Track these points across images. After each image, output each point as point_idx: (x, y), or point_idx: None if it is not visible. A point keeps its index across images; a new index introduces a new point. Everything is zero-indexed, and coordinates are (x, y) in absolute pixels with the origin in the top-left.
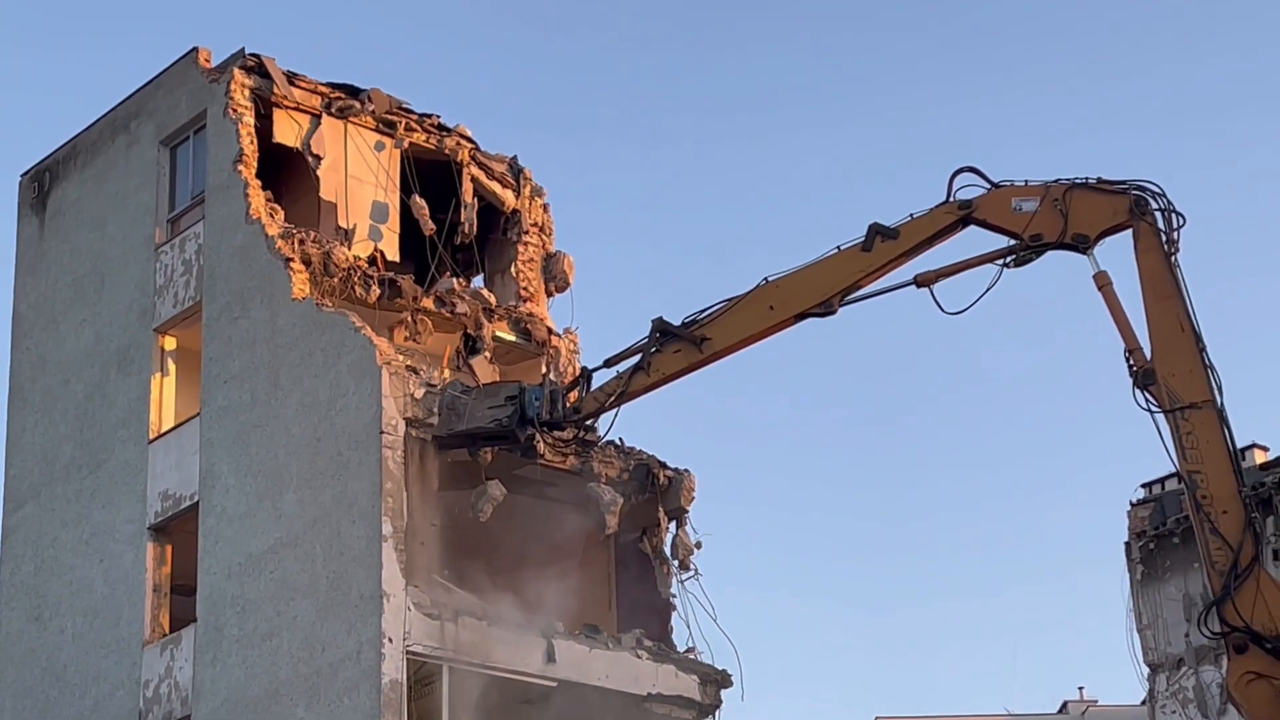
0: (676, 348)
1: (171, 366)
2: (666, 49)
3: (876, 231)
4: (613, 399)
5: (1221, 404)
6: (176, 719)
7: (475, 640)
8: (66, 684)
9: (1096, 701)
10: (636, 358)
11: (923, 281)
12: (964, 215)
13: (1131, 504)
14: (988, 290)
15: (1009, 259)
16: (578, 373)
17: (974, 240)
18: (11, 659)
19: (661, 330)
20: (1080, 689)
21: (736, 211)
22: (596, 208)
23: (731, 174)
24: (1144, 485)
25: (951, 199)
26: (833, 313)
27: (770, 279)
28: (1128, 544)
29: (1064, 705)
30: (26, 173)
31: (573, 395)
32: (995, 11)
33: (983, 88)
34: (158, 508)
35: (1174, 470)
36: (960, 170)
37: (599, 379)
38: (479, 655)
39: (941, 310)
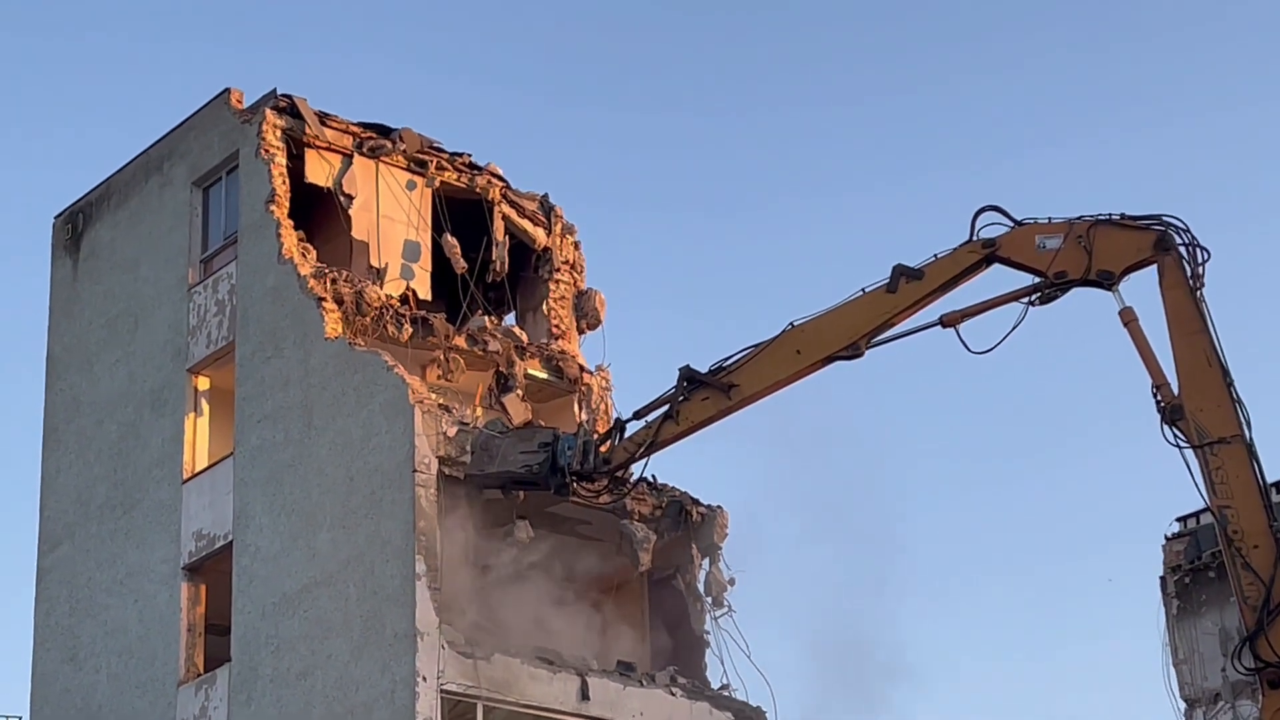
0: (704, 395)
1: (205, 406)
2: (698, 87)
3: (901, 273)
4: (642, 449)
5: (1251, 438)
6: None
7: (509, 678)
8: None
9: None
10: (666, 407)
11: (948, 321)
12: (988, 254)
13: (1166, 538)
14: (1014, 329)
15: (1034, 297)
16: (609, 409)
17: (999, 279)
18: (47, 700)
19: (689, 378)
20: None
21: (767, 249)
22: (628, 245)
23: (762, 210)
24: (1179, 519)
25: (975, 238)
26: (860, 355)
27: (796, 323)
28: (1163, 578)
29: None
30: (60, 215)
31: (605, 446)
32: (1016, 59)
33: (1004, 132)
34: (192, 547)
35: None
36: (983, 209)
37: (632, 430)
38: (513, 693)
39: (968, 350)
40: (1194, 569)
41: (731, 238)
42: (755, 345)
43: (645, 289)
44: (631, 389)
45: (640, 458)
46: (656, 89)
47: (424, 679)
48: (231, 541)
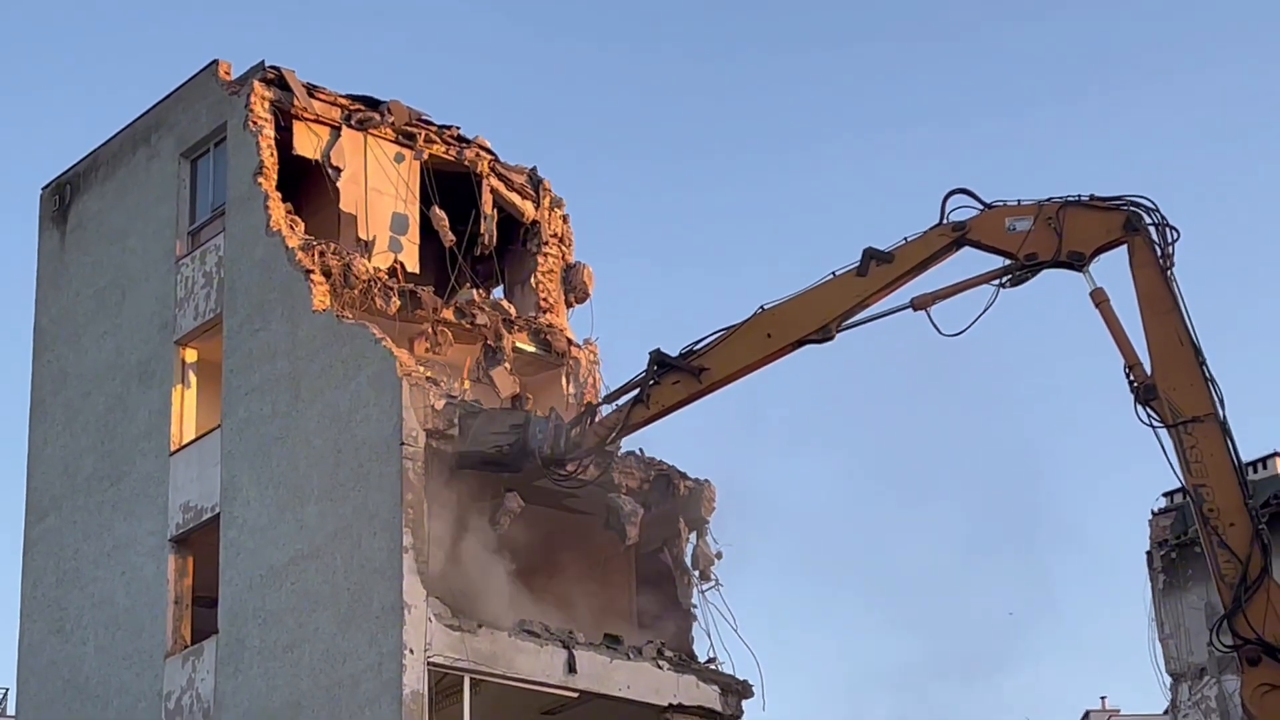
0: (675, 379)
1: (192, 379)
2: (687, 60)
3: (871, 256)
4: (614, 433)
5: (1224, 416)
6: None
7: (496, 651)
8: (89, 696)
9: (1119, 711)
10: (636, 391)
11: (919, 304)
12: (958, 237)
13: (1153, 513)
14: (985, 311)
15: (1005, 279)
16: (598, 383)
17: (970, 261)
18: (34, 671)
19: (659, 362)
20: (1102, 698)
21: (756, 220)
22: (617, 218)
23: (750, 184)
24: (1165, 494)
25: (945, 221)
26: (830, 338)
27: (766, 307)
28: (1149, 553)
29: (1086, 715)
30: (47, 186)
31: (576, 430)
32: (990, 32)
33: (989, 108)
34: (179, 520)
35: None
36: (953, 192)
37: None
38: (500, 666)
39: (939, 332)
40: (1180, 544)
41: (720, 213)
42: (726, 328)
43: (635, 261)
44: (619, 363)
45: (611, 442)
46: (647, 58)
47: (411, 651)
48: (219, 514)
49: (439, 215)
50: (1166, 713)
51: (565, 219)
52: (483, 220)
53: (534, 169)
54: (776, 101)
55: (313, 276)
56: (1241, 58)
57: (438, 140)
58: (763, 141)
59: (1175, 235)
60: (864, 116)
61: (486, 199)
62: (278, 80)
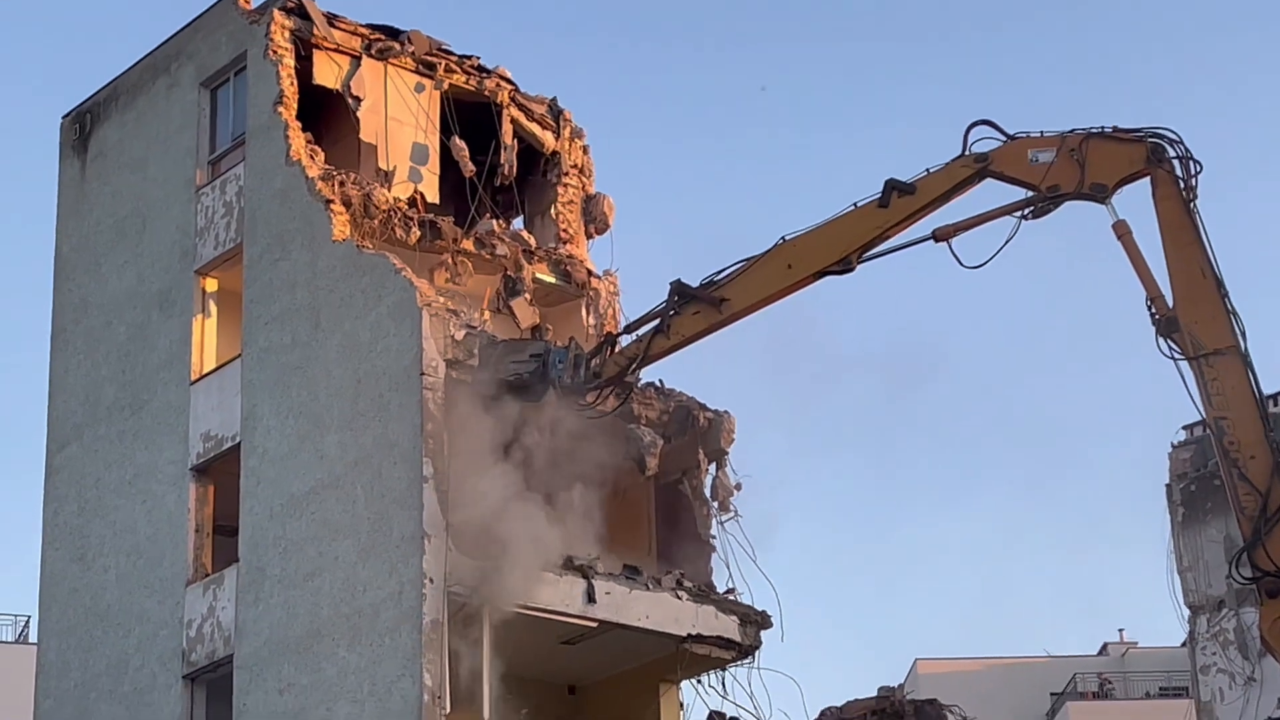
0: (695, 309)
1: (213, 308)
2: None
3: (893, 187)
4: (634, 364)
5: (1246, 349)
6: (219, 658)
7: (516, 581)
8: (110, 623)
9: (1137, 643)
10: (657, 321)
11: (941, 236)
12: (980, 168)
13: (1173, 446)
14: (1006, 242)
15: (1027, 210)
16: (617, 314)
17: (992, 193)
18: (55, 599)
19: (679, 292)
20: (1120, 631)
21: (778, 153)
22: (639, 148)
23: (773, 112)
24: (1185, 427)
25: (967, 152)
26: (851, 270)
27: (787, 238)
28: (1169, 486)
29: (1104, 647)
30: (68, 115)
31: (596, 360)
32: None
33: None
34: (200, 449)
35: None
36: (976, 123)
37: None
38: (519, 596)
39: (961, 264)
40: (1200, 477)
41: (742, 141)
42: (746, 259)
43: (656, 191)
44: (639, 294)
45: (631, 371)
46: None
47: (431, 581)
48: (239, 443)
49: (459, 145)
50: (1184, 645)
51: (585, 149)
52: (503, 150)
53: (554, 99)
54: (800, 34)
55: (333, 206)
56: None
57: (458, 70)
58: (786, 76)
59: (1198, 167)
60: (893, 31)
61: (506, 129)
62: (298, 9)
